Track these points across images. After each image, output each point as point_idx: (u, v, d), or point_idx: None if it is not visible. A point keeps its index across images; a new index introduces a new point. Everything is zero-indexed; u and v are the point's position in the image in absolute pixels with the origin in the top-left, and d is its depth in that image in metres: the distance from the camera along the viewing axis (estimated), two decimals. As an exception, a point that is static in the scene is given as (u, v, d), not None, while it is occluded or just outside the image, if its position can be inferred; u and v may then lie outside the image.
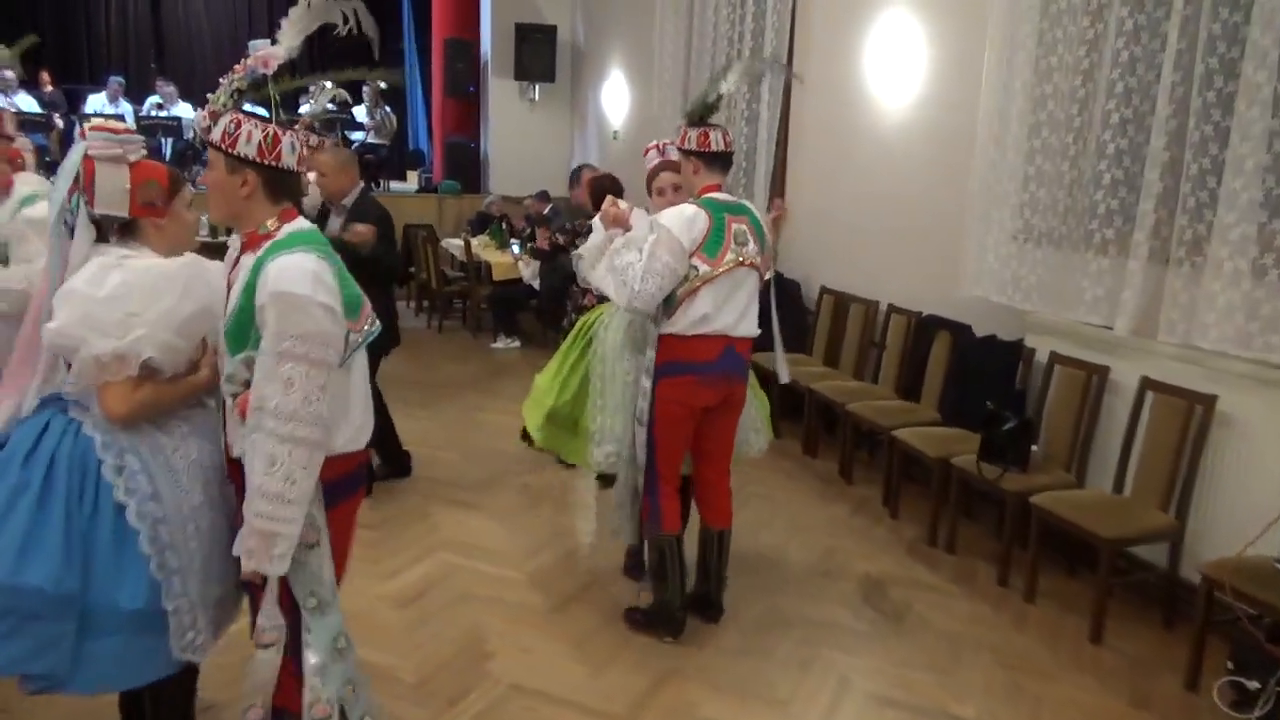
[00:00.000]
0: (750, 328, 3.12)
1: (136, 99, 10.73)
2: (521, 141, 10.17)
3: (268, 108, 2.01)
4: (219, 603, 2.12)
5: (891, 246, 5.25)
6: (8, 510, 1.93)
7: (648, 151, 3.56)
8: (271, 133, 1.94)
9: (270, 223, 1.98)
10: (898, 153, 5.19)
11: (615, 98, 9.32)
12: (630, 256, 2.96)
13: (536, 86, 10.09)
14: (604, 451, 3.23)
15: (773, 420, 3.95)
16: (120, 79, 10.60)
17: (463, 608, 3.41)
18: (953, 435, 4.18)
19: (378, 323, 2.12)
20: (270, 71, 2.00)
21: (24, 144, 4.99)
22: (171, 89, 10.55)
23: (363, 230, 3.94)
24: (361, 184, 4.33)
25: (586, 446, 3.31)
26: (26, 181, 3.17)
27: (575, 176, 6.44)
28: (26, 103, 9.59)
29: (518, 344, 7.76)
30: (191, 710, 2.33)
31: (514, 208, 9.01)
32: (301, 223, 2.04)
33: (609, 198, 3.22)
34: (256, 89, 2.00)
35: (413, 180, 10.92)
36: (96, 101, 10.15)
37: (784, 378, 3.49)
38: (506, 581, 3.63)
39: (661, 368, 3.05)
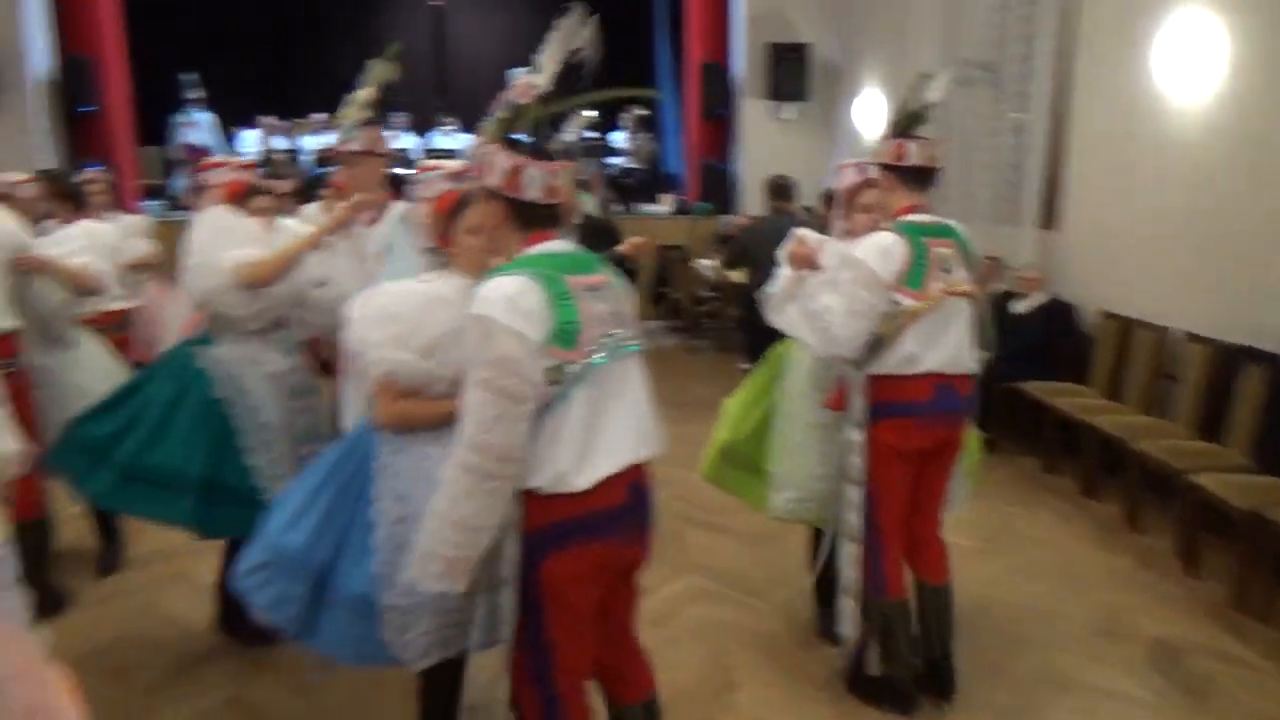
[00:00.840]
0: (967, 363, 2.80)
1: (421, 132, 11.79)
2: (773, 161, 10.09)
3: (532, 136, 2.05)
4: (455, 618, 2.11)
5: (1187, 266, 4.68)
6: (301, 481, 2.29)
7: (843, 169, 3.08)
8: (514, 164, 1.93)
9: (517, 250, 1.98)
10: (1194, 160, 4.63)
11: (869, 114, 9.07)
12: (827, 299, 2.71)
13: (789, 106, 10.02)
14: (784, 498, 3.02)
15: (1046, 455, 3.59)
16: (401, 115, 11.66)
17: (710, 633, 3.39)
18: (1266, 484, 3.64)
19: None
20: (528, 100, 2.04)
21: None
22: (454, 122, 11.44)
23: (638, 242, 4.00)
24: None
25: (764, 489, 3.09)
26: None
27: (829, 197, 6.28)
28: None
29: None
30: (454, 706, 2.32)
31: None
32: (546, 245, 1.97)
33: (797, 235, 2.91)
34: (518, 119, 2.05)
35: (665, 202, 11.17)
36: (392, 136, 11.20)
37: None
38: (754, 610, 3.57)
39: (873, 410, 2.76)
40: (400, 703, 2.55)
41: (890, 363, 2.73)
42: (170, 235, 7.66)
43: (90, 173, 4.28)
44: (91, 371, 3.59)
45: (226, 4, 12.30)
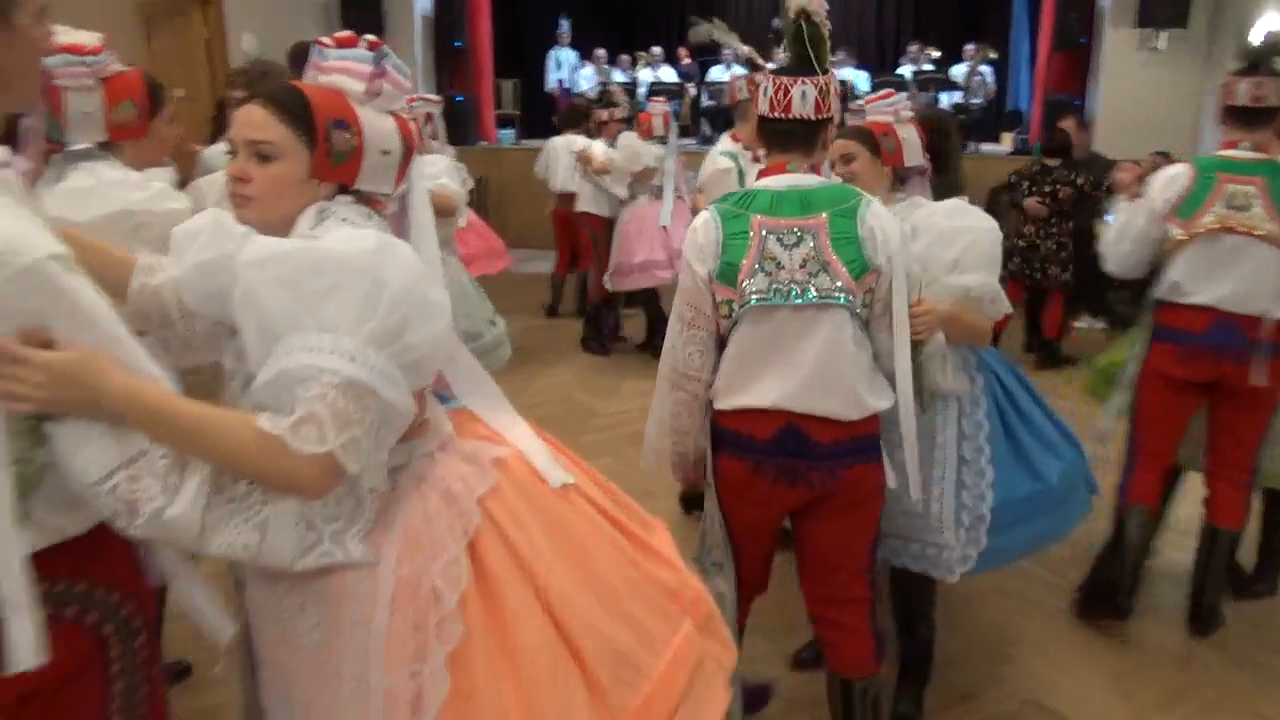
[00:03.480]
0: (1259, 305, 2.70)
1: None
2: (1138, 98, 9.00)
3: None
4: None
5: None
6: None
7: None
8: (778, 84, 2.00)
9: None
10: None
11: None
12: (1119, 217, 2.98)
13: (1162, 34, 8.81)
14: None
15: None
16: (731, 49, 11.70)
17: (993, 601, 3.22)
18: None
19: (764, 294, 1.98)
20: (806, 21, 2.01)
21: (657, 109, 5.82)
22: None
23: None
24: None
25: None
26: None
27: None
28: (667, 74, 11.18)
29: (1102, 325, 6.97)
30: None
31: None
32: (769, 180, 2.06)
33: (1121, 165, 3.07)
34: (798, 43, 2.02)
35: (1007, 142, 10.38)
36: (717, 71, 11.35)
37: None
38: (1046, 584, 3.33)
39: (1151, 333, 2.92)
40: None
41: (1161, 289, 2.85)
42: (525, 161, 8.37)
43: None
44: (449, 291, 4.07)
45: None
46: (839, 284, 1.94)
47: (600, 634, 1.39)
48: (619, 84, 9.29)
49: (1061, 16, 9.55)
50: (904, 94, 2.60)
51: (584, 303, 6.85)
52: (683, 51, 11.88)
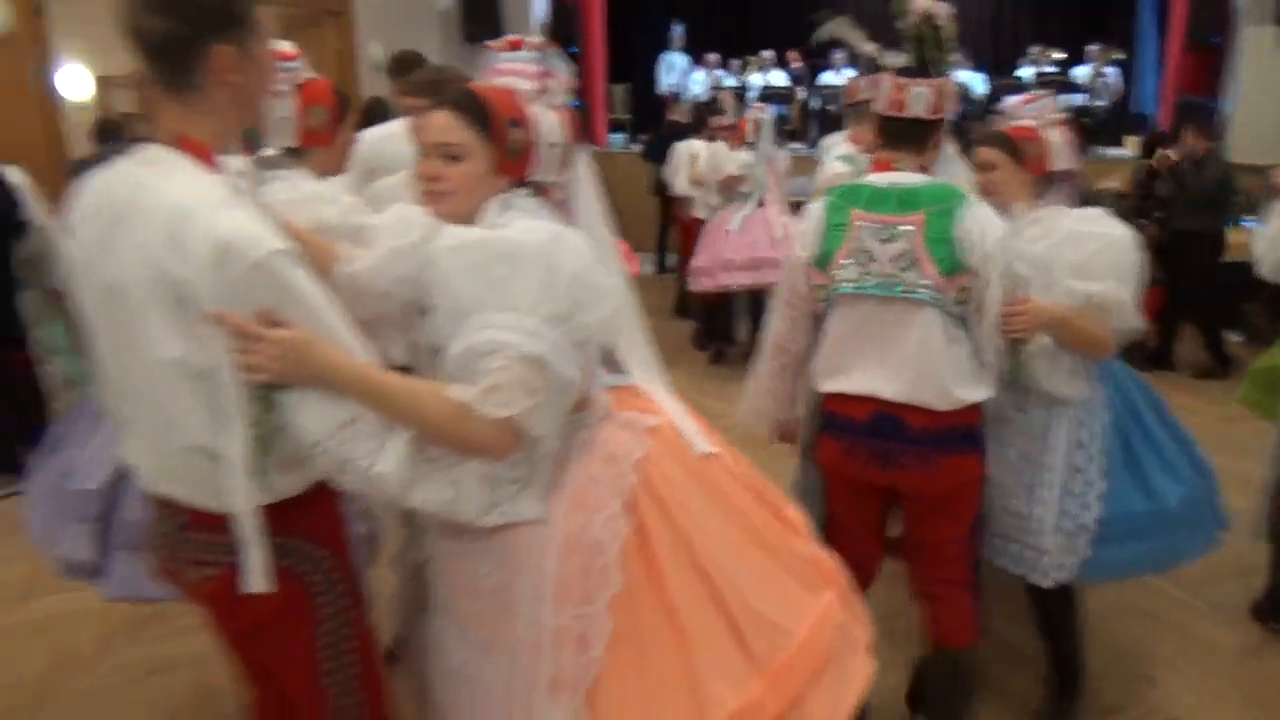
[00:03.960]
0: None
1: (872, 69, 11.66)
2: (1276, 99, 8.56)
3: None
4: None
5: None
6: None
7: None
8: (896, 84, 2.12)
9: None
10: None
11: None
12: (1273, 222, 2.91)
13: (1306, 32, 8.36)
14: None
15: None
16: (841, 52, 11.59)
17: (1132, 621, 3.13)
18: None
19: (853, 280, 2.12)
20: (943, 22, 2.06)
21: (751, 115, 5.89)
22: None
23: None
24: None
25: None
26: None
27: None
28: (777, 78, 11.15)
29: (1239, 338, 6.64)
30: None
31: (1252, 177, 7.68)
32: (878, 176, 2.17)
33: (1276, 170, 2.93)
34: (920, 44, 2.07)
35: (1131, 146, 9.99)
36: (828, 75, 11.26)
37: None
38: (1184, 606, 3.21)
39: None
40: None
41: None
42: (634, 165, 8.48)
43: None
44: None
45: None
46: (926, 281, 2.04)
47: (747, 593, 1.51)
48: (729, 89, 9.34)
49: (1194, 15, 9.16)
50: (1051, 98, 2.54)
51: (684, 303, 7.04)
52: (793, 55, 11.83)
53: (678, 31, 11.67)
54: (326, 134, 2.24)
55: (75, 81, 9.33)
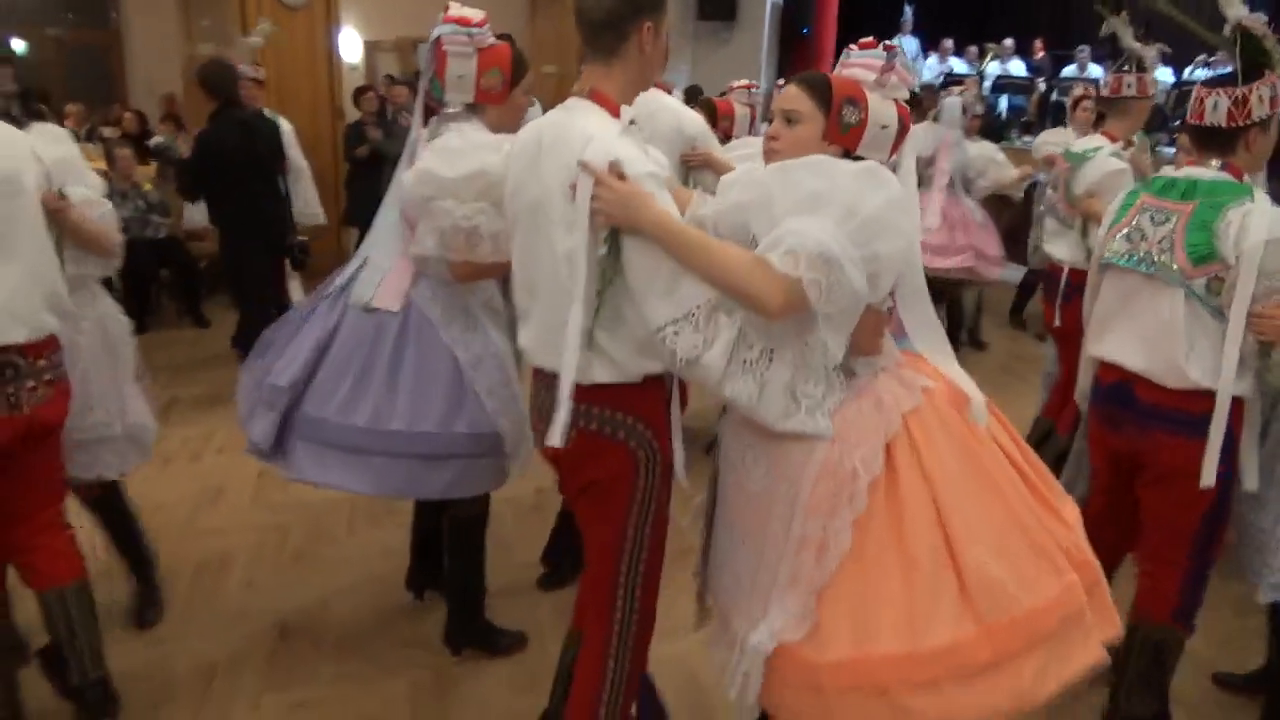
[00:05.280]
0: None
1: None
2: None
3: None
4: None
5: None
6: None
7: None
8: (1197, 94, 2.21)
9: None
10: None
11: None
12: None
13: None
14: None
15: None
16: (1086, 48, 10.93)
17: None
18: None
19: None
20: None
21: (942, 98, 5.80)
22: (1154, 52, 10.43)
23: None
24: None
25: None
26: None
27: None
28: (1017, 67, 10.71)
29: None
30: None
31: None
32: (1179, 169, 2.30)
33: None
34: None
35: None
36: (1070, 70, 10.69)
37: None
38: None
39: None
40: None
41: None
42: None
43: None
44: None
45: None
46: (1175, 266, 2.17)
47: (982, 555, 1.64)
48: (964, 75, 9.08)
49: None
50: None
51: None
52: (1038, 44, 11.30)
53: (908, 14, 11.40)
54: (500, 94, 2.42)
55: (349, 45, 10.35)
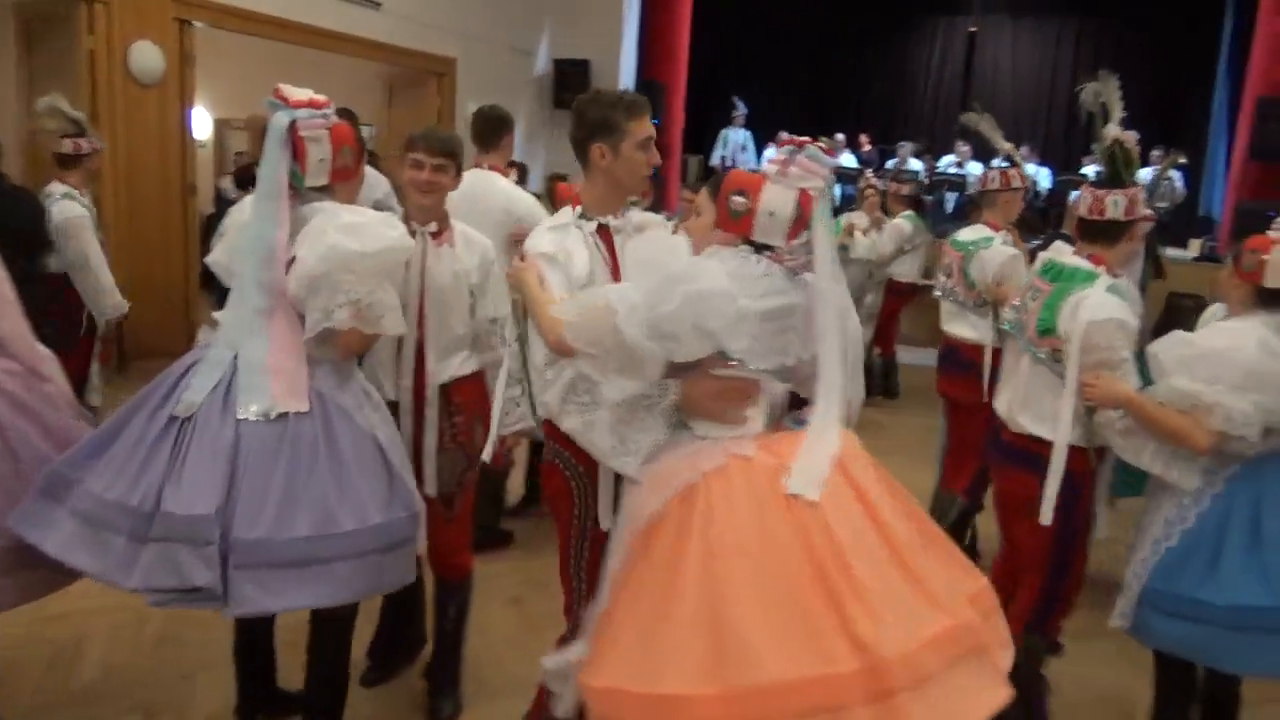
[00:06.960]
0: None
1: (937, 157, 12.09)
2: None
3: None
4: None
5: None
6: None
7: None
8: (1094, 195, 2.62)
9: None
10: None
11: None
12: None
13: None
14: None
15: None
16: (909, 144, 11.99)
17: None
18: None
19: None
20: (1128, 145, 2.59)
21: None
22: (967, 149, 11.60)
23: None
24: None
25: None
26: None
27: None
28: (848, 159, 11.62)
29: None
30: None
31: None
32: (1063, 257, 2.70)
33: None
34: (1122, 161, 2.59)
35: (1194, 248, 10.16)
36: (892, 162, 11.70)
37: None
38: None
39: None
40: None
41: None
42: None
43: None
44: None
45: (769, 35, 13.76)
46: (1026, 335, 2.65)
47: (746, 614, 1.65)
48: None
49: (1259, 126, 9.41)
50: None
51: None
52: (864, 138, 12.31)
53: (741, 108, 12.22)
54: (353, 170, 2.45)
55: (200, 123, 10.20)
